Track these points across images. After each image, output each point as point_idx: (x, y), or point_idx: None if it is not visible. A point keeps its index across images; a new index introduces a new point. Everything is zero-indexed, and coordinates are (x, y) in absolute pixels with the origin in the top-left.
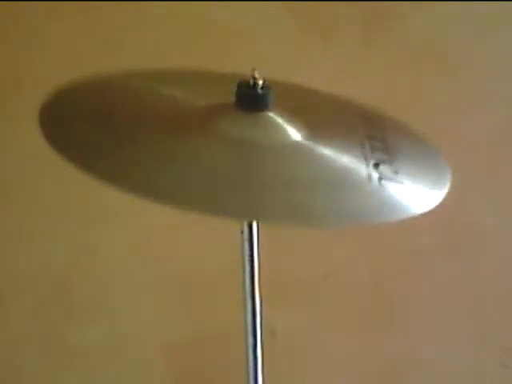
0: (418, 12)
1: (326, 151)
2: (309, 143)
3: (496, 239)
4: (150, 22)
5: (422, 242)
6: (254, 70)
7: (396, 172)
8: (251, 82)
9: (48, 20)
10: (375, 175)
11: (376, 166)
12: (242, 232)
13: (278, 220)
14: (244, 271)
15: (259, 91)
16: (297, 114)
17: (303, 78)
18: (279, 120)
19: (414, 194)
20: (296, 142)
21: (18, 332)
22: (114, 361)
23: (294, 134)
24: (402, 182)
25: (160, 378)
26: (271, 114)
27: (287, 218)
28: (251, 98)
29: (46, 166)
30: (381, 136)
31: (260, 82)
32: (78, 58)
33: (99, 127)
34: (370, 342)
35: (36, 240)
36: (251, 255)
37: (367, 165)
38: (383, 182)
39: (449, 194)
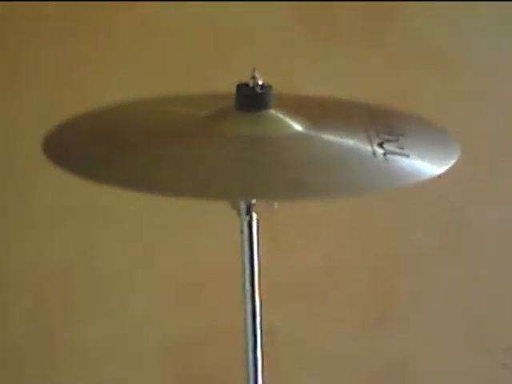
0: (418, 12)
1: (330, 137)
2: (312, 132)
3: (496, 239)
4: (151, 22)
5: (422, 241)
6: (254, 70)
7: (401, 147)
8: (251, 82)
9: (47, 20)
10: (380, 151)
11: (380, 144)
12: (242, 232)
13: (283, 195)
14: (244, 271)
15: (259, 91)
16: (298, 111)
17: (303, 77)
18: (281, 116)
19: (421, 164)
20: (299, 132)
21: (17, 332)
22: (113, 360)
23: (297, 126)
24: (407, 155)
25: (160, 377)
26: (272, 111)
27: (290, 192)
28: (251, 99)
29: (45, 166)
30: (384, 121)
31: (260, 82)
32: (77, 58)
33: (101, 141)
34: (370, 342)
35: (36, 240)
36: (251, 255)
37: (371, 145)
38: (388, 156)
39: (449, 194)
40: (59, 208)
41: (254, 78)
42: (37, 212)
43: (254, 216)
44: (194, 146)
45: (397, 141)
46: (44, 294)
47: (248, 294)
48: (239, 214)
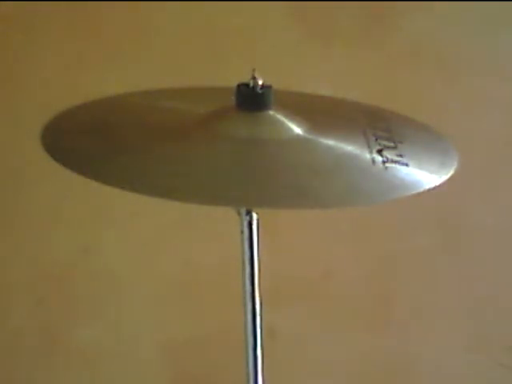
0: (418, 12)
1: (329, 142)
2: (311, 136)
3: (496, 239)
4: (150, 22)
5: (422, 242)
6: (253, 70)
7: (400, 155)
8: (251, 82)
9: (47, 20)
10: (379, 159)
11: (380, 151)
12: (242, 232)
13: (281, 204)
14: (244, 271)
15: (259, 91)
16: (297, 112)
17: (303, 78)
18: (280, 117)
19: (420, 174)
20: (298, 136)
21: (17, 332)
22: (113, 361)
23: (296, 128)
24: (406, 164)
25: (159, 378)
26: (272, 112)
27: (289, 201)
28: (251, 98)
29: (45, 166)
30: (383, 125)
31: (259, 82)
32: (77, 58)
33: (99, 137)
34: (370, 342)
35: (36, 240)
36: (251, 255)
37: (371, 151)
38: (387, 164)
39: (449, 194)
40: (59, 208)
41: (254, 78)
42: (37, 212)
43: (254, 216)
44: (190, 145)
45: (396, 148)
46: (44, 294)
47: (248, 294)
48: (239, 213)
